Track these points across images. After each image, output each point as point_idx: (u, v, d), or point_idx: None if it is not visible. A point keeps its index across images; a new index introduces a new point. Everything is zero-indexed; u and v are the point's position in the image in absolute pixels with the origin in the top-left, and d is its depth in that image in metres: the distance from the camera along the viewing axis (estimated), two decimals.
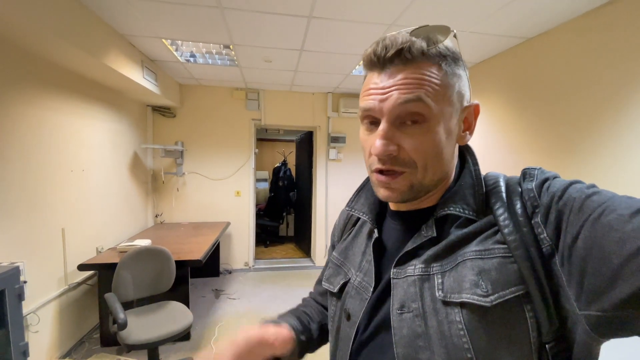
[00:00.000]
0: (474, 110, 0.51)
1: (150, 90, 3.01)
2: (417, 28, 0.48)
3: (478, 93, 2.87)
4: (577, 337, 0.38)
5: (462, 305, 0.41)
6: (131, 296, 2.15)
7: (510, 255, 0.41)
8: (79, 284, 2.50)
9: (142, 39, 2.51)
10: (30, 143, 2.02)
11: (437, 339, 0.42)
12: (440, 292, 0.44)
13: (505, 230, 0.43)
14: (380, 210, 0.59)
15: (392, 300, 0.47)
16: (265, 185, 6.70)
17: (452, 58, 0.47)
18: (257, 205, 4.93)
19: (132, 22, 2.22)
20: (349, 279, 0.57)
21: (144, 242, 2.67)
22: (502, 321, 0.40)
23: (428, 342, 0.43)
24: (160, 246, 2.32)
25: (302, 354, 0.63)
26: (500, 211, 0.45)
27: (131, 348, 1.82)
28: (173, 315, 2.08)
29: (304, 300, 0.77)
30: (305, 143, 4.80)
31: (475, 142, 2.66)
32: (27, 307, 1.92)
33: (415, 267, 0.47)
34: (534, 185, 0.44)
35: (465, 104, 0.49)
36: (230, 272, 4.17)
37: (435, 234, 0.48)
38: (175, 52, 2.82)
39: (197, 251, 2.67)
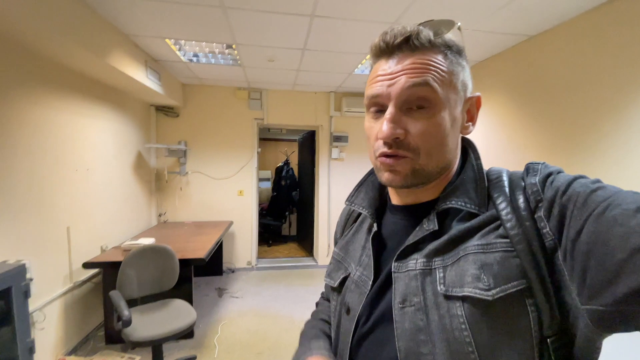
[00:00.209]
0: (476, 102, 0.52)
1: (153, 90, 3.02)
2: (424, 22, 0.49)
3: (480, 91, 2.83)
4: (578, 332, 0.38)
5: (464, 299, 0.42)
6: (135, 294, 2.16)
7: (513, 249, 0.41)
8: (84, 281, 2.52)
9: (145, 38, 2.53)
10: (36, 142, 2.04)
11: (438, 333, 0.42)
12: (441, 287, 0.44)
13: (508, 225, 0.43)
14: (380, 205, 0.59)
15: (394, 294, 0.47)
16: (268, 185, 6.71)
17: (457, 49, 0.48)
18: (259, 204, 4.94)
19: (136, 22, 2.23)
20: (349, 273, 0.57)
21: (148, 241, 2.68)
22: (504, 315, 0.40)
23: (429, 336, 0.43)
24: (164, 244, 2.33)
25: None
26: (502, 205, 0.45)
27: (136, 345, 1.84)
28: (177, 313, 2.09)
29: (317, 304, 0.77)
30: (308, 142, 4.81)
31: (477, 139, 2.66)
32: (33, 304, 1.93)
33: (417, 262, 0.47)
34: (537, 180, 0.44)
35: (469, 94, 0.50)
36: (233, 271, 4.18)
37: (437, 227, 0.48)
38: (178, 52, 2.84)
39: (200, 250, 2.68)
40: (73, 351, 2.38)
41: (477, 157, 0.52)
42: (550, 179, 0.43)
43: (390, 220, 0.57)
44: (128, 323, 1.77)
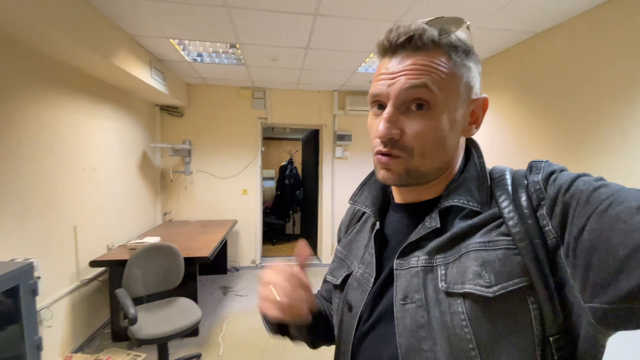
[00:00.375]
0: (483, 104, 0.50)
1: (158, 90, 3.04)
2: (433, 19, 0.48)
3: (485, 88, 2.84)
4: (582, 330, 0.38)
5: (465, 296, 0.42)
6: (141, 292, 2.18)
7: (514, 247, 0.41)
8: (91, 280, 2.55)
9: (150, 39, 2.54)
10: (42, 142, 2.07)
11: (439, 330, 0.42)
12: (443, 283, 0.44)
13: (510, 222, 0.42)
14: (383, 204, 0.59)
15: (395, 291, 0.47)
16: (271, 184, 6.73)
17: (464, 50, 0.47)
18: (264, 203, 4.95)
19: (141, 22, 2.25)
20: (352, 271, 0.58)
21: (153, 240, 2.71)
22: (505, 313, 0.40)
23: (430, 333, 0.43)
24: (169, 243, 2.35)
25: (310, 331, 0.61)
26: (505, 203, 0.45)
27: (141, 342, 1.86)
28: (182, 311, 2.11)
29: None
30: (312, 141, 4.81)
31: (482, 137, 2.64)
32: (40, 302, 1.96)
33: (418, 259, 0.47)
34: (540, 178, 0.44)
35: (474, 96, 0.49)
36: (237, 270, 4.20)
37: (439, 225, 0.48)
38: (182, 52, 2.85)
39: (205, 248, 2.70)
40: (80, 349, 2.41)
41: (480, 156, 0.52)
42: (553, 177, 0.43)
43: (392, 219, 0.57)
44: (134, 321, 1.79)
